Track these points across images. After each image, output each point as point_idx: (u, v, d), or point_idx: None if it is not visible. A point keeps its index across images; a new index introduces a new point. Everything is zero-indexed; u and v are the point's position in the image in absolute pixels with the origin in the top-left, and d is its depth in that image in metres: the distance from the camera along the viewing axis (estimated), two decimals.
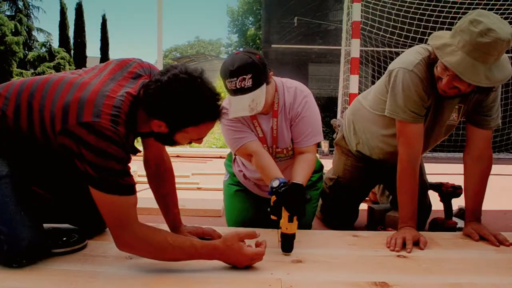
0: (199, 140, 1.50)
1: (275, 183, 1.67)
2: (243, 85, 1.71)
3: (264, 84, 1.77)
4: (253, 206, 2.16)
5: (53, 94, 1.39)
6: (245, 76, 1.71)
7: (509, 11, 6.00)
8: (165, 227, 1.76)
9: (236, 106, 1.76)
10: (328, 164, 2.59)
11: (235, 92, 1.74)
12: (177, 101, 1.34)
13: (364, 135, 2.27)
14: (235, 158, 2.24)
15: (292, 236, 1.62)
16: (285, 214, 1.60)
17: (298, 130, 1.93)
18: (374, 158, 2.30)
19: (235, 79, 1.72)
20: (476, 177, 1.96)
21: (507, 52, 1.72)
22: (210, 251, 1.42)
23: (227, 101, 1.84)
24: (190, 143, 1.55)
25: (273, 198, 1.65)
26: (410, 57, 1.88)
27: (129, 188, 1.38)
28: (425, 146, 2.07)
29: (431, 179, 2.51)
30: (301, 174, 1.80)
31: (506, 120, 6.49)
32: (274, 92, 1.91)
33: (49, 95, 1.39)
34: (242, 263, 1.45)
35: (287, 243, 1.63)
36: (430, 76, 1.83)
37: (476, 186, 1.96)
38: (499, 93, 1.95)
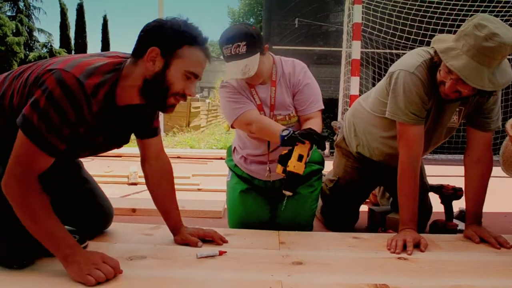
0: (192, 78, 1.44)
1: (285, 132, 1.75)
2: (237, 51, 1.85)
3: (258, 53, 1.89)
4: (256, 209, 2.16)
5: (32, 68, 1.40)
6: (239, 43, 1.85)
7: (510, 13, 5.99)
8: (165, 228, 1.76)
9: (230, 70, 1.87)
10: (328, 166, 2.60)
11: (230, 57, 1.87)
12: (166, 25, 1.39)
13: (364, 136, 2.27)
14: (234, 148, 2.26)
15: (298, 176, 1.67)
16: (295, 154, 1.68)
17: (302, 97, 2.02)
18: (374, 160, 2.30)
19: (231, 45, 1.86)
20: (476, 179, 1.96)
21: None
22: (63, 243, 1.34)
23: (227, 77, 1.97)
24: (183, 96, 1.45)
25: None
26: (412, 59, 1.88)
27: (50, 148, 1.31)
28: (425, 148, 2.07)
29: (431, 181, 2.51)
30: (313, 127, 1.82)
31: (505, 122, 6.47)
32: (271, 64, 2.03)
33: (27, 71, 1.41)
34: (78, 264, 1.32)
35: (291, 182, 1.69)
36: (431, 78, 1.84)
37: (477, 188, 1.96)
38: (499, 96, 1.96)
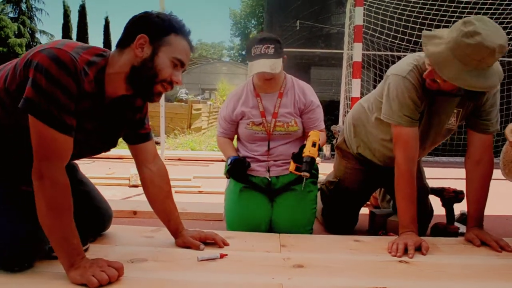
0: (179, 64, 1.47)
1: (232, 157, 2.22)
2: (266, 51, 2.07)
3: (281, 59, 2.12)
4: (256, 206, 2.18)
5: (19, 58, 1.41)
6: (269, 45, 2.07)
7: (511, 16, 5.99)
8: (166, 231, 1.76)
9: (259, 66, 2.06)
10: (329, 168, 2.60)
11: (260, 56, 2.07)
12: (153, 15, 1.44)
13: (365, 137, 2.27)
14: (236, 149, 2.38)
15: (313, 159, 2.01)
16: (309, 141, 2.04)
17: (314, 117, 2.29)
18: (375, 162, 2.30)
19: (261, 45, 2.07)
20: (476, 182, 1.97)
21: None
22: (74, 250, 1.35)
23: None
24: (170, 83, 1.47)
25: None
26: (404, 64, 1.92)
27: (66, 127, 1.32)
28: (423, 149, 2.09)
29: (433, 183, 2.50)
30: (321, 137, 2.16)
31: (504, 125, 6.46)
32: (284, 77, 2.30)
33: (14, 60, 1.42)
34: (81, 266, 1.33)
35: (309, 165, 1.99)
36: (423, 82, 1.86)
37: (477, 191, 1.97)
38: (497, 99, 1.96)
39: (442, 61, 1.67)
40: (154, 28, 1.42)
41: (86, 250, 1.60)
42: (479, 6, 5.77)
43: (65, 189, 1.34)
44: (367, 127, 2.23)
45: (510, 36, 6.13)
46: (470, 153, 1.99)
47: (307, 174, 1.99)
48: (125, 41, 1.44)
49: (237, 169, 2.17)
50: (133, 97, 1.53)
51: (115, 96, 1.49)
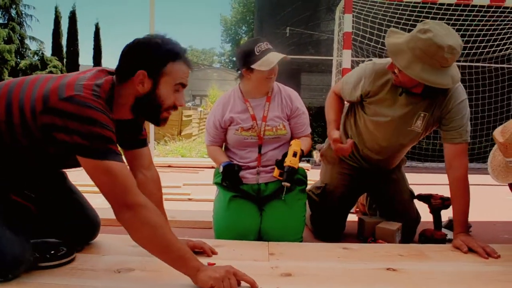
0: (180, 89, 1.51)
1: (224, 163, 2.22)
2: (270, 47, 2.18)
3: None
4: (245, 213, 2.19)
5: (32, 86, 1.42)
6: (268, 43, 2.19)
7: (505, 22, 6.08)
8: None
9: (272, 56, 2.14)
10: (318, 176, 2.61)
11: (269, 50, 2.16)
12: (147, 46, 1.45)
13: (354, 129, 2.35)
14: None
15: (294, 169, 2.05)
16: (290, 151, 2.08)
17: (300, 122, 2.33)
18: (366, 156, 2.34)
19: (262, 43, 2.17)
20: (451, 186, 2.04)
21: None
22: (192, 260, 1.40)
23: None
24: (174, 108, 1.53)
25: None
26: (387, 62, 2.05)
27: (120, 156, 1.37)
28: (387, 142, 2.23)
29: (422, 189, 2.52)
30: (304, 143, 2.25)
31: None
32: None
33: (28, 88, 1.41)
34: (207, 274, 1.37)
35: (289, 175, 2.04)
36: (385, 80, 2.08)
37: (455, 195, 2.03)
38: (463, 109, 2.03)
39: (397, 51, 1.87)
40: (150, 61, 1.44)
41: (73, 260, 1.59)
42: (465, 13, 5.84)
43: (153, 206, 1.38)
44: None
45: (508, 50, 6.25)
46: (445, 161, 2.08)
47: (287, 184, 2.04)
48: (125, 74, 1.46)
49: (230, 173, 2.17)
50: (137, 120, 1.59)
51: (118, 119, 1.51)
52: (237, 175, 2.18)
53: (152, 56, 1.44)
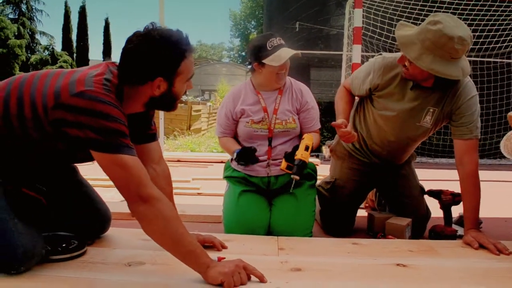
0: (190, 79, 1.55)
1: (237, 150, 2.19)
2: (282, 42, 2.19)
3: None
4: (255, 206, 2.20)
5: (43, 82, 1.43)
6: (280, 38, 2.20)
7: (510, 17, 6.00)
8: None
9: (284, 52, 2.16)
10: (327, 171, 2.61)
11: (279, 46, 2.17)
12: (158, 47, 1.41)
13: (363, 124, 2.34)
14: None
15: (305, 162, 2.01)
16: (302, 145, 2.05)
17: (309, 117, 2.32)
18: (374, 151, 2.34)
19: (274, 38, 2.18)
20: (462, 182, 2.03)
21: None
22: (203, 256, 1.41)
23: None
24: (185, 93, 1.58)
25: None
26: (398, 56, 2.05)
27: (133, 150, 1.38)
28: (395, 135, 2.21)
29: (433, 185, 2.51)
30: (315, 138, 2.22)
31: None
32: None
33: (39, 84, 1.43)
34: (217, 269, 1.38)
35: (300, 168, 2.00)
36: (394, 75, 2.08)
37: (465, 191, 2.02)
38: (473, 105, 2.02)
39: (408, 43, 1.88)
40: (166, 65, 1.44)
41: (84, 253, 1.60)
42: (477, 8, 5.77)
43: (166, 200, 1.40)
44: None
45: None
46: (455, 157, 2.07)
47: (297, 177, 2.00)
48: (139, 79, 1.46)
49: (246, 153, 2.16)
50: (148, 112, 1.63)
51: (128, 113, 1.52)
52: (253, 153, 2.17)
53: (167, 59, 1.43)
